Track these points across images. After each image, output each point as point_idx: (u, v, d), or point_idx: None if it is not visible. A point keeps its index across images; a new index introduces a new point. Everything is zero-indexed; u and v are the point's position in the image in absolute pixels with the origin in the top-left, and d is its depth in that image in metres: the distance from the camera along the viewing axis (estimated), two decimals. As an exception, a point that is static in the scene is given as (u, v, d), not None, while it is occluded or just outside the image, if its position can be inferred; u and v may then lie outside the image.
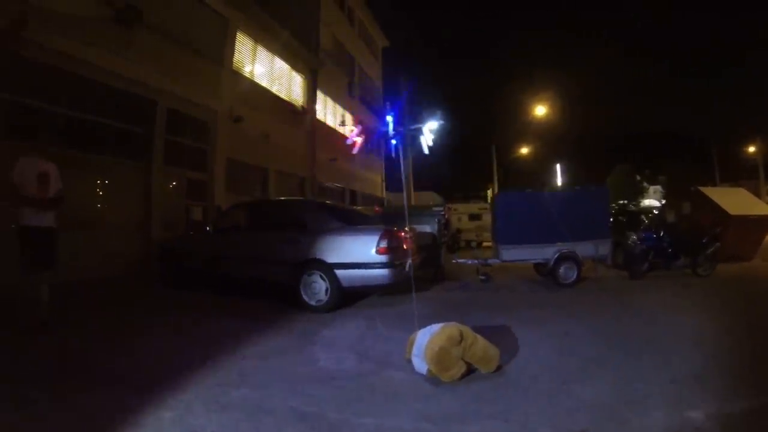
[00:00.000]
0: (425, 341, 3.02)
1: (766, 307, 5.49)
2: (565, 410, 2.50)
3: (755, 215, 9.39)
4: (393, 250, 5.26)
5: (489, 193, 30.20)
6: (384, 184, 23.13)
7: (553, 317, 4.90)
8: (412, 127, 6.74)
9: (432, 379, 2.92)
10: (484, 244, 18.22)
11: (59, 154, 5.90)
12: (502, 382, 2.91)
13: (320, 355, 3.57)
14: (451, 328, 3.06)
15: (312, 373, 3.17)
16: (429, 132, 6.91)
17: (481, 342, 3.08)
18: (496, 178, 29.47)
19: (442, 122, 7.75)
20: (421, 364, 3.03)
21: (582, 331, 4.25)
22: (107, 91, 7.50)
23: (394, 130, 6.10)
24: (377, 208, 18.25)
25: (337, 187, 17.29)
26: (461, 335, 2.99)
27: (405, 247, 5.69)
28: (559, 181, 34.52)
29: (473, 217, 19.38)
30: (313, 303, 5.24)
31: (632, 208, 13.41)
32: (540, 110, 23.70)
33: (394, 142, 6.98)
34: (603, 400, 2.63)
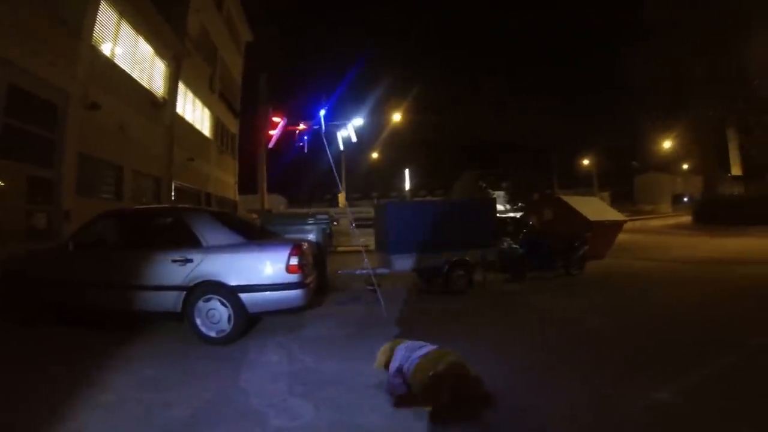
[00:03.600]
0: (413, 365, 2.87)
1: (638, 297, 6.61)
2: (565, 418, 2.74)
3: (610, 220, 10.67)
4: (303, 267, 4.79)
5: (341, 198, 30.78)
6: (237, 187, 21.86)
7: (469, 328, 5.02)
8: (337, 123, 6.85)
9: (414, 414, 2.75)
10: (339, 248, 18.98)
11: None
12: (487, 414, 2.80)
13: (265, 410, 2.97)
14: (455, 356, 2.89)
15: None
16: (353, 128, 7.15)
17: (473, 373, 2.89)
18: (343, 181, 30.69)
19: (365, 120, 8.03)
20: (398, 384, 2.93)
21: (504, 339, 4.51)
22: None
23: (318, 126, 6.17)
24: (255, 215, 17.19)
25: (192, 189, 15.68)
26: (465, 366, 2.84)
27: (309, 262, 5.37)
28: (407, 185, 36.92)
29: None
30: (213, 335, 4.55)
31: (503, 216, 15.02)
32: (396, 117, 25.80)
33: (306, 137, 6.96)
34: (581, 401, 2.94)
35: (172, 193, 13.31)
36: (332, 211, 21.73)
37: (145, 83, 11.97)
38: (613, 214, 11.41)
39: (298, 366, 3.92)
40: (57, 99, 8.05)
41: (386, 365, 3.18)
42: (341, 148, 7.91)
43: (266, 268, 4.68)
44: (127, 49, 10.97)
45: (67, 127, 8.24)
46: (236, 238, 4.93)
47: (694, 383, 3.22)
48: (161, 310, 4.82)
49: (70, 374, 3.65)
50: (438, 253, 7.49)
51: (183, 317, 4.63)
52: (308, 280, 4.97)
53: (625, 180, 55.18)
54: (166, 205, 7.17)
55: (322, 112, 6.50)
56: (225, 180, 20.10)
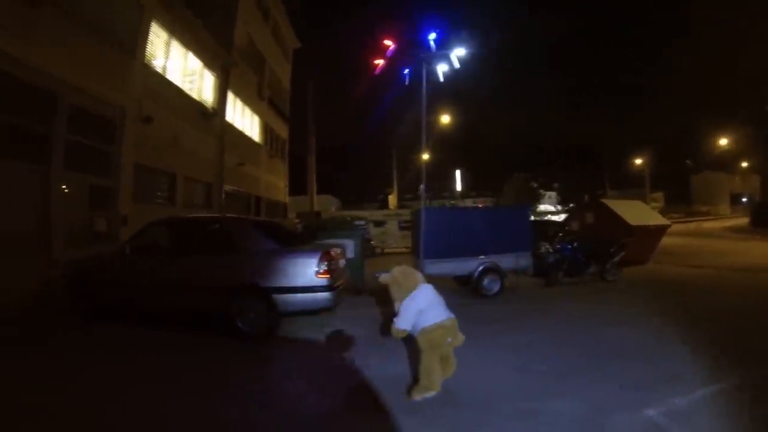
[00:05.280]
0: (427, 324, 3.36)
1: (674, 308, 6.27)
2: (551, 423, 2.89)
3: (652, 225, 10.47)
4: (332, 271, 5.17)
5: (391, 198, 30.98)
6: (287, 189, 22.71)
7: (497, 333, 5.19)
8: (438, 52, 6.68)
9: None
10: (387, 251, 19.27)
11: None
12: (481, 410, 3.12)
13: (302, 403, 3.36)
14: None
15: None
16: (456, 59, 6.89)
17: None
18: (396, 182, 30.68)
19: (471, 50, 7.53)
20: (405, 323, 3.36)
21: (528, 345, 4.63)
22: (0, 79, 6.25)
23: (418, 55, 6.02)
24: (296, 221, 17.94)
25: (242, 192, 16.53)
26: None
27: (339, 266, 5.69)
28: (458, 187, 36.66)
29: (378, 224, 19.96)
30: (250, 331, 5.08)
31: (540, 218, 14.66)
32: (445, 119, 25.31)
33: (406, 71, 6.90)
34: (577, 410, 3.07)
35: (223, 197, 14.11)
36: (379, 213, 21.97)
37: (195, 95, 12.80)
38: (656, 219, 11.11)
39: (331, 363, 4.30)
40: (114, 115, 8.84)
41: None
42: (441, 79, 7.81)
43: (297, 272, 5.08)
44: (178, 64, 11.79)
45: (123, 140, 9.03)
46: (272, 245, 5.37)
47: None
48: (208, 308, 5.44)
49: (167, 372, 4.16)
50: (470, 258, 7.54)
51: (225, 315, 5.15)
52: (337, 284, 5.30)
53: (680, 180, 51.77)
54: (210, 215, 7.71)
55: (432, 36, 6.37)
56: (275, 183, 20.95)
